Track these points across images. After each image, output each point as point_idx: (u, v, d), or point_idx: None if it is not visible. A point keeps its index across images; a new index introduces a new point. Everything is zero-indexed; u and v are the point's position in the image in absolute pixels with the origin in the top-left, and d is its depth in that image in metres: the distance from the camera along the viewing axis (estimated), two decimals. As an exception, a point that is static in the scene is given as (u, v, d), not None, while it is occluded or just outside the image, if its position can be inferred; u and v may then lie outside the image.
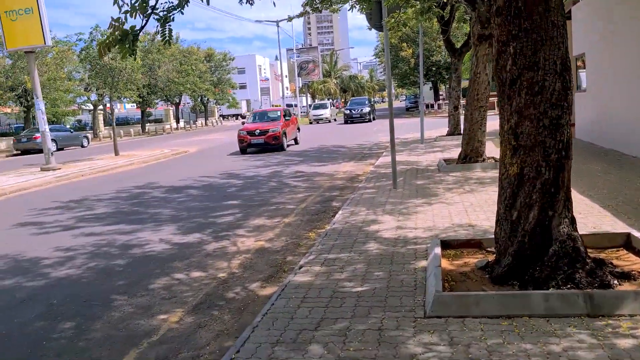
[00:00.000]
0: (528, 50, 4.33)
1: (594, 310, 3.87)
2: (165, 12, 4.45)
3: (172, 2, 4.51)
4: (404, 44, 46.36)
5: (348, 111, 42.50)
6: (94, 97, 42.04)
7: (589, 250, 4.60)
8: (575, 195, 5.79)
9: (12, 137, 33.76)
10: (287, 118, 23.41)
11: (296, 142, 24.14)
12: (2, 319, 5.12)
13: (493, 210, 7.32)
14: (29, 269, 6.69)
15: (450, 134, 20.01)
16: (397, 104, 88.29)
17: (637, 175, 9.23)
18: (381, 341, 3.71)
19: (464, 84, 26.20)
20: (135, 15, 4.17)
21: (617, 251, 5.17)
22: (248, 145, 21.28)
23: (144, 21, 4.35)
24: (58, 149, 31.01)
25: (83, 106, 47.73)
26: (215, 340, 4.34)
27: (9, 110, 42.05)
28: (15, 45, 19.50)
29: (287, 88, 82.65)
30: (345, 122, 41.41)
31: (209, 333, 4.48)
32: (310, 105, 61.89)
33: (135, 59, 6.15)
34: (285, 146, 21.59)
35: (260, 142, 21.17)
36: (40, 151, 20.61)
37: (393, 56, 45.66)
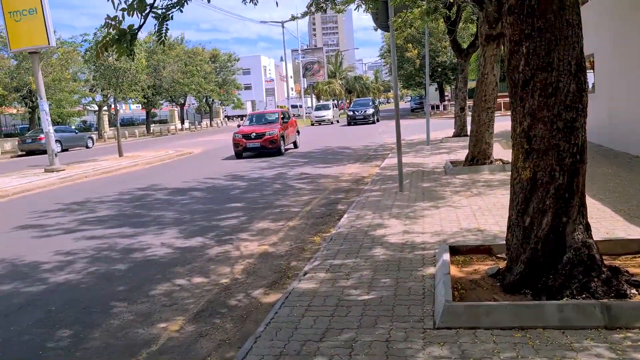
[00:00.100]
0: (541, 50, 4.17)
1: (612, 322, 3.70)
2: (164, 10, 4.31)
3: (171, 0, 4.37)
4: (409, 45, 46.16)
5: (351, 112, 41.60)
6: (98, 98, 42.08)
7: (602, 257, 4.44)
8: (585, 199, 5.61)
9: (17, 138, 33.76)
10: (285, 120, 22.26)
11: (295, 146, 23.16)
12: (-1, 326, 4.99)
13: (502, 214, 7.19)
14: (28, 274, 6.57)
15: (456, 135, 19.81)
16: (402, 104, 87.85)
17: (649, 178, 9.04)
18: (389, 354, 3.55)
19: (471, 84, 26.04)
20: (133, 14, 4.04)
21: (632, 258, 5.00)
22: (244, 150, 20.19)
23: (142, 20, 4.21)
24: (63, 150, 31.01)
25: (88, 107, 47.82)
26: (216, 350, 4.20)
27: (14, 111, 42.13)
28: (19, 46, 19.47)
29: (292, 89, 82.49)
30: (349, 124, 40.63)
31: (210, 343, 4.34)
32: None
33: (133, 60, 6.02)
34: (283, 150, 20.64)
35: (257, 146, 20.13)
36: (45, 152, 20.53)
37: (398, 57, 45.41)
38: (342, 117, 52.33)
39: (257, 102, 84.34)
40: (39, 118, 32.32)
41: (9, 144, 35.38)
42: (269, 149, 20.10)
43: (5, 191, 14.41)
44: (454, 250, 5.47)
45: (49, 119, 19.40)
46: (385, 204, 8.74)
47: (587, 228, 4.38)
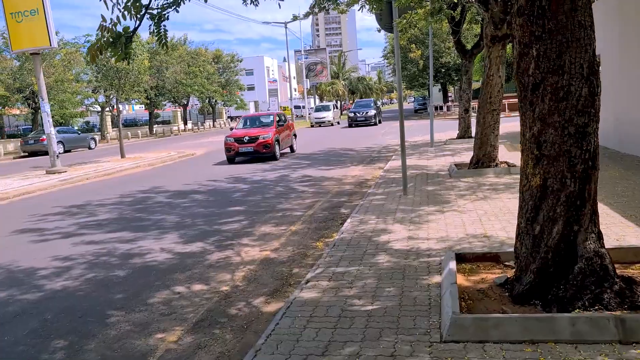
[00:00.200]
0: (552, 52, 4.01)
1: (626, 337, 3.54)
2: (159, 10, 4.17)
3: (167, 0, 4.23)
4: (413, 45, 45.92)
5: (352, 114, 40.30)
6: (101, 98, 42.02)
7: (615, 266, 4.28)
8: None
9: (20, 139, 33.72)
10: (280, 124, 21.17)
11: (292, 150, 22.22)
12: (-7, 335, 4.86)
13: (509, 219, 7.04)
14: (24, 281, 6.43)
15: (460, 137, 19.63)
16: (405, 105, 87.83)
17: (658, 182, 8.87)
18: (394, 370, 3.41)
19: (475, 85, 25.84)
20: (130, 17, 3.89)
21: (645, 267, 4.84)
22: (236, 154, 19.22)
23: (137, 22, 4.06)
24: (65, 151, 30.97)
25: (91, 108, 47.76)
26: (215, 363, 4.06)
27: (17, 112, 42.10)
28: (20, 47, 19.40)
29: (295, 89, 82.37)
30: (350, 126, 39.52)
31: (208, 355, 4.19)
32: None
33: (129, 63, 5.90)
34: (277, 155, 19.55)
35: (249, 151, 19.07)
36: (47, 153, 20.44)
37: (402, 58, 44.99)
38: (343, 118, 51.91)
39: (260, 102, 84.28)
40: (41, 119, 32.28)
41: (12, 145, 35.31)
42: (263, 153, 19.16)
43: (6, 194, 14.31)
44: (460, 258, 5.31)
45: (51, 120, 19.29)
46: (389, 208, 8.59)
47: (600, 237, 4.23)
